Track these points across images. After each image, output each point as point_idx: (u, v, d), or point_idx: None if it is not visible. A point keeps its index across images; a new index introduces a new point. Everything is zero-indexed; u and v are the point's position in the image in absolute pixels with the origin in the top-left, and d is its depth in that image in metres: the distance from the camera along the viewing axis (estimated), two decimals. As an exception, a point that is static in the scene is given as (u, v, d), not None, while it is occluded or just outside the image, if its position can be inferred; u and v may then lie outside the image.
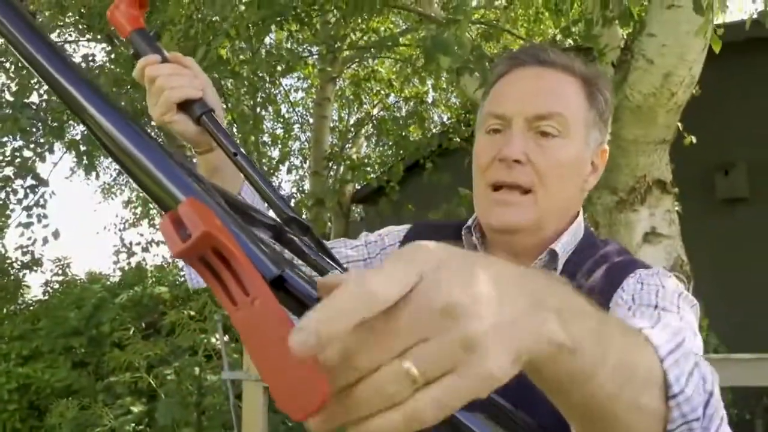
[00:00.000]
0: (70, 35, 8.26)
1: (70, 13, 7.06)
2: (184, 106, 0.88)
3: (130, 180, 0.48)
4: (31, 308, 7.74)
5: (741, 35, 3.76)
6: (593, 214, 3.58)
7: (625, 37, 3.52)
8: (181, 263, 1.01)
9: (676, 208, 3.48)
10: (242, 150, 0.88)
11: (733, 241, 4.57)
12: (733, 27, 3.92)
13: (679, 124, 3.32)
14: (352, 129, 9.20)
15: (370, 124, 8.91)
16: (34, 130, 5.43)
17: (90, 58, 6.12)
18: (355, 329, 0.34)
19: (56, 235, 6.28)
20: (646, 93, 3.03)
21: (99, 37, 6.65)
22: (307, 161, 9.10)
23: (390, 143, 8.22)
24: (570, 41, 4.49)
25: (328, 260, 0.64)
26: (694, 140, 3.67)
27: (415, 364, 0.34)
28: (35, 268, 7.62)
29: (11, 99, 5.72)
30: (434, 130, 7.55)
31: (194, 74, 0.90)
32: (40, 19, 7.01)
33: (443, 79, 6.12)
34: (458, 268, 0.36)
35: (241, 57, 5.68)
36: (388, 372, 0.34)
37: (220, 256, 0.37)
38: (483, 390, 0.36)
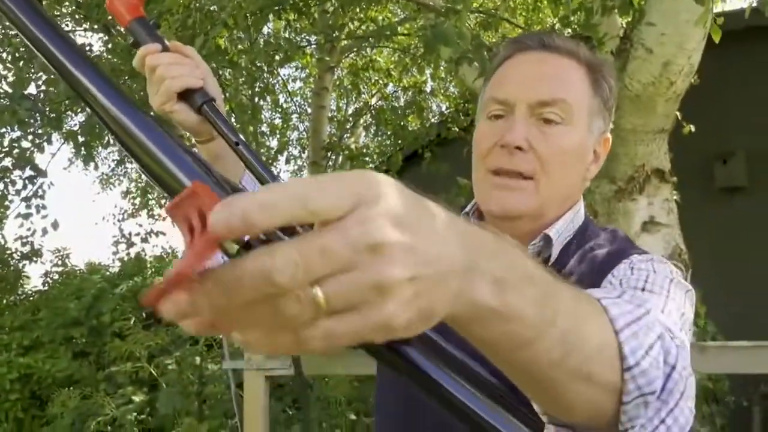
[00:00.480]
0: (67, 25, 8.21)
1: (67, 3, 7.02)
2: (185, 95, 0.87)
3: (133, 161, 0.49)
4: (31, 299, 7.75)
5: (740, 24, 3.76)
6: (592, 203, 3.59)
7: (624, 26, 3.51)
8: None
9: (675, 197, 3.49)
10: (243, 139, 0.88)
11: (731, 230, 4.58)
12: (733, 15, 3.91)
13: (678, 113, 3.32)
14: (351, 119, 9.18)
15: (369, 114, 8.89)
16: (32, 121, 5.41)
17: (87, 48, 6.08)
18: (282, 246, 0.32)
19: (55, 225, 6.28)
20: (645, 82, 3.04)
21: (96, 27, 6.61)
22: (306, 151, 9.10)
23: (388, 133, 8.21)
24: (569, 30, 4.48)
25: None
26: (693, 129, 3.67)
27: (326, 292, 0.33)
28: (35, 258, 7.62)
29: (9, 90, 5.71)
30: (433, 120, 7.54)
31: (195, 63, 0.89)
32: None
33: (442, 68, 6.10)
34: (399, 206, 0.35)
35: (240, 47, 5.66)
36: (297, 294, 0.32)
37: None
38: (378, 337, 0.35)
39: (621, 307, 0.55)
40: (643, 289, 0.72)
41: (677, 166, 3.54)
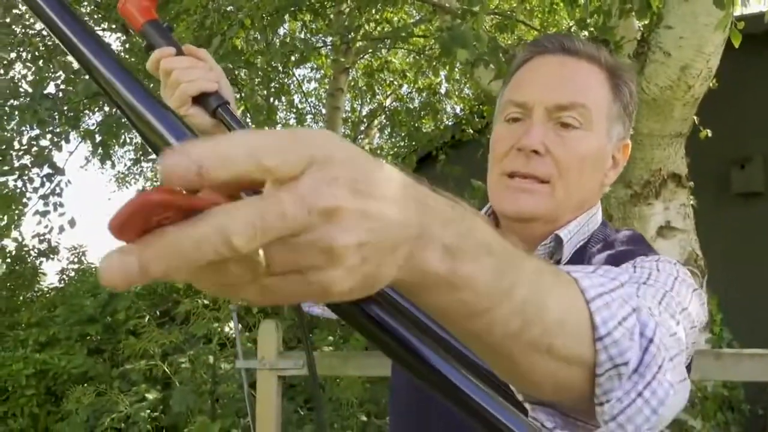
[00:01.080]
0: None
1: (86, 3, 7.10)
2: (200, 98, 0.88)
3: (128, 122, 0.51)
4: (48, 296, 7.83)
5: (759, 27, 3.72)
6: (607, 207, 3.57)
7: (641, 29, 3.49)
8: None
9: (691, 202, 3.47)
10: None
11: (748, 235, 4.54)
12: (751, 19, 3.87)
13: (695, 118, 3.29)
14: (365, 120, 9.20)
15: (383, 115, 8.90)
16: (51, 120, 5.48)
17: (105, 48, 6.13)
18: (242, 208, 0.31)
19: (72, 223, 6.34)
20: (662, 86, 3.02)
21: (114, 27, 6.68)
22: (320, 152, 9.10)
23: (403, 134, 8.21)
24: (585, 33, 4.46)
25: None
26: (710, 134, 3.64)
27: (272, 255, 0.32)
28: (52, 256, 7.71)
29: (29, 90, 5.78)
30: (447, 122, 7.54)
31: (209, 67, 0.90)
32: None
33: (457, 70, 6.10)
34: (354, 168, 0.34)
35: (256, 47, 5.69)
36: (245, 256, 0.31)
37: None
38: (319, 299, 0.35)
39: (593, 279, 0.53)
40: (644, 284, 0.69)
41: (694, 170, 3.51)
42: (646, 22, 3.33)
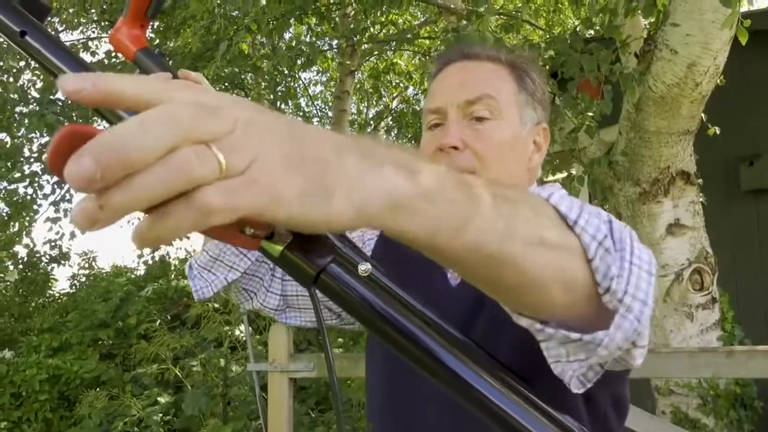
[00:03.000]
0: (93, 32, 8.37)
1: (93, 10, 7.15)
2: None
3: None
4: (60, 301, 7.89)
5: (767, 24, 3.71)
6: (616, 206, 3.56)
7: (648, 27, 3.49)
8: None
9: (701, 200, 3.45)
10: None
11: (758, 231, 4.51)
12: (759, 15, 3.86)
13: (703, 115, 3.28)
14: (372, 122, 9.21)
15: (390, 117, 8.91)
16: (60, 126, 5.53)
17: (112, 55, 6.19)
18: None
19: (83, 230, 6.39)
20: (669, 83, 3.01)
21: (122, 33, 6.71)
22: (327, 154, 9.12)
23: (409, 136, 8.22)
24: (591, 32, 4.45)
25: (356, 251, 0.67)
26: (718, 131, 3.62)
27: (224, 153, 0.34)
28: (63, 261, 7.77)
29: (38, 96, 5.83)
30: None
31: (204, 90, 0.91)
32: (64, 16, 7.11)
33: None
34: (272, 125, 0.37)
35: (262, 51, 5.71)
36: (194, 150, 0.33)
37: None
38: (268, 198, 0.35)
39: (539, 190, 0.58)
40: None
41: (702, 168, 3.50)
42: (653, 20, 3.32)
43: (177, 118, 0.33)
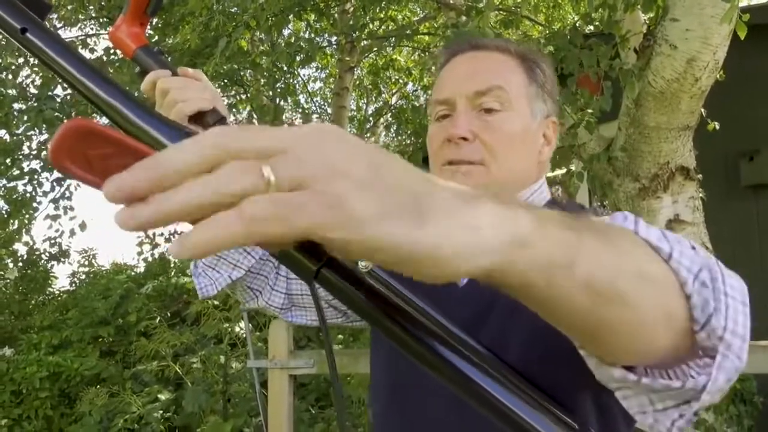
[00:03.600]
0: (92, 29, 8.35)
1: (91, 7, 7.13)
2: (196, 117, 0.89)
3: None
4: (60, 298, 7.89)
5: (766, 18, 3.70)
6: (616, 201, 3.56)
7: (647, 22, 3.48)
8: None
9: (700, 195, 3.45)
10: None
11: (758, 227, 4.52)
12: (758, 10, 3.85)
13: (703, 110, 3.28)
14: (371, 118, 9.20)
15: (389, 113, 8.90)
16: (58, 122, 5.51)
17: (111, 51, 6.18)
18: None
19: (83, 227, 6.39)
20: (669, 78, 3.00)
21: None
22: (327, 151, 9.10)
23: (409, 132, 8.21)
24: (591, 27, 4.44)
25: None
26: (718, 126, 3.62)
27: (274, 170, 0.32)
28: (63, 259, 7.77)
29: (36, 92, 5.82)
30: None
31: (204, 86, 0.92)
32: (63, 13, 7.10)
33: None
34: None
35: (261, 48, 5.70)
36: (237, 163, 0.32)
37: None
38: (334, 215, 0.32)
39: (616, 219, 0.55)
40: None
41: (702, 163, 3.49)
42: (652, 15, 3.32)
43: (222, 136, 0.33)
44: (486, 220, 0.36)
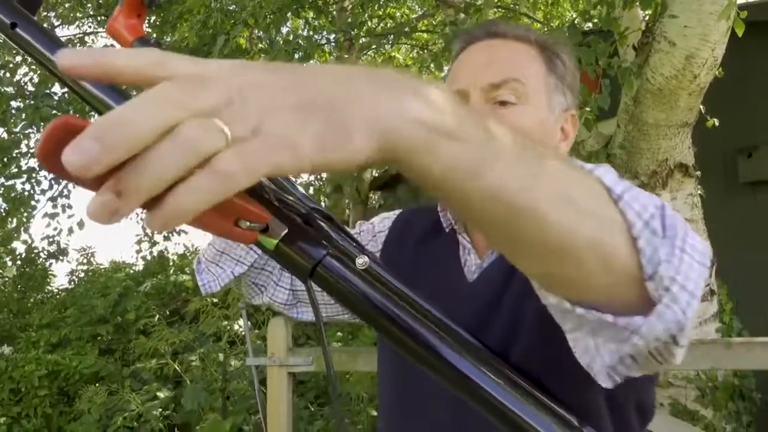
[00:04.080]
0: (89, 27, 8.33)
1: (89, 5, 7.12)
2: None
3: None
4: (58, 297, 7.89)
5: (765, 15, 3.70)
6: (614, 198, 3.56)
7: (645, 19, 3.48)
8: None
9: (699, 192, 3.45)
10: None
11: (756, 224, 4.52)
12: (756, 7, 3.85)
13: (701, 107, 3.28)
14: (370, 116, 9.16)
15: (388, 111, 8.86)
16: (55, 118, 5.51)
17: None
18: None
19: (81, 225, 6.39)
20: (667, 75, 3.00)
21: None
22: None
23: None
24: (589, 25, 4.44)
25: (354, 244, 0.67)
26: (717, 123, 3.62)
27: (228, 124, 0.33)
28: (61, 257, 7.77)
29: (33, 90, 5.81)
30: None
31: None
32: (60, 11, 7.08)
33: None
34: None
35: (260, 46, 5.69)
36: (196, 123, 0.33)
37: None
38: (285, 153, 0.34)
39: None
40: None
41: (701, 160, 3.50)
42: (651, 12, 3.32)
43: (172, 95, 0.33)
44: (387, 100, 0.38)
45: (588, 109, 3.27)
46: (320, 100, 0.36)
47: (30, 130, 5.88)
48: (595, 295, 0.50)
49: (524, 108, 0.85)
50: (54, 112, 5.43)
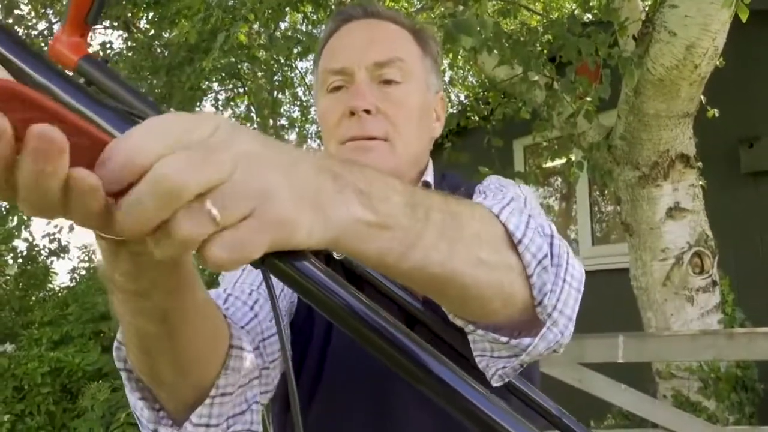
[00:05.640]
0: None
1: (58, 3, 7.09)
2: None
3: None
4: (60, 294, 7.90)
5: (766, 3, 3.68)
6: (615, 190, 3.55)
7: (645, 9, 3.46)
8: None
9: (700, 183, 3.44)
10: None
11: (758, 214, 4.51)
12: (758, -5, 3.82)
13: (702, 97, 3.26)
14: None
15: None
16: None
17: (108, 46, 6.15)
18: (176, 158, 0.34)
19: (82, 222, 6.38)
20: (668, 66, 2.99)
21: (116, 24, 6.68)
22: (325, 144, 9.10)
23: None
24: (589, 15, 4.42)
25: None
26: (718, 113, 3.61)
27: (216, 205, 0.35)
28: (62, 255, 7.77)
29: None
30: (452, 110, 7.50)
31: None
32: (58, 8, 7.06)
33: (460, 57, 6.06)
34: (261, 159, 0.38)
35: (259, 41, 5.67)
36: (190, 210, 0.34)
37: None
38: (278, 235, 0.37)
39: (490, 199, 0.65)
40: (501, 190, 0.80)
41: (702, 150, 3.48)
42: (651, 2, 3.30)
43: (172, 181, 0.33)
44: (337, 203, 0.42)
45: (589, 99, 3.26)
46: (309, 186, 0.40)
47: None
48: (493, 321, 0.60)
49: (408, 86, 0.86)
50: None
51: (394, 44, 0.87)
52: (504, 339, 0.60)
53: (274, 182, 0.37)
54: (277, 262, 0.42)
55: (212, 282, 0.97)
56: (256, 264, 0.42)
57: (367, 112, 0.82)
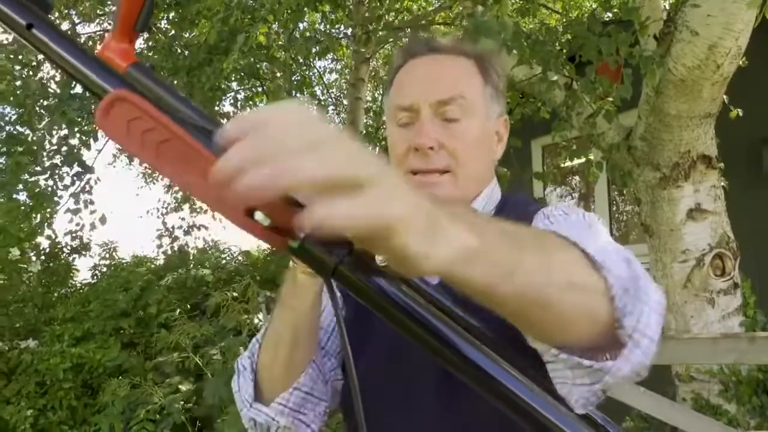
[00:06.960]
0: (110, 24, 8.40)
1: (110, 2, 7.17)
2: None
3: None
4: (81, 291, 8.00)
5: (790, 2, 3.61)
6: (635, 191, 3.52)
7: (667, 8, 3.42)
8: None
9: (722, 184, 3.40)
10: None
11: (781, 216, 4.44)
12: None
13: (725, 97, 3.22)
14: (387, 109, 9.15)
15: (405, 104, 8.83)
16: (79, 119, 5.57)
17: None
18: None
19: (103, 220, 6.46)
20: (690, 66, 2.95)
21: (137, 25, 6.74)
22: (343, 143, 9.10)
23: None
24: (609, 15, 4.39)
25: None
26: (740, 113, 3.56)
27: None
28: (84, 252, 7.87)
29: (57, 90, 5.88)
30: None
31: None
32: (81, 9, 7.16)
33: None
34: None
35: (278, 42, 5.70)
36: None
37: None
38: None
39: (556, 225, 0.69)
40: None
41: (724, 151, 3.44)
42: (672, 1, 3.26)
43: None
44: (450, 236, 0.46)
45: (610, 99, 3.24)
46: (433, 212, 0.45)
47: (53, 128, 5.94)
48: (577, 344, 0.61)
49: (468, 122, 0.93)
50: (80, 112, 5.48)
51: (456, 80, 0.95)
52: (587, 362, 0.61)
53: (409, 204, 0.43)
54: (346, 273, 0.48)
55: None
56: (326, 274, 0.47)
57: (431, 148, 0.91)
